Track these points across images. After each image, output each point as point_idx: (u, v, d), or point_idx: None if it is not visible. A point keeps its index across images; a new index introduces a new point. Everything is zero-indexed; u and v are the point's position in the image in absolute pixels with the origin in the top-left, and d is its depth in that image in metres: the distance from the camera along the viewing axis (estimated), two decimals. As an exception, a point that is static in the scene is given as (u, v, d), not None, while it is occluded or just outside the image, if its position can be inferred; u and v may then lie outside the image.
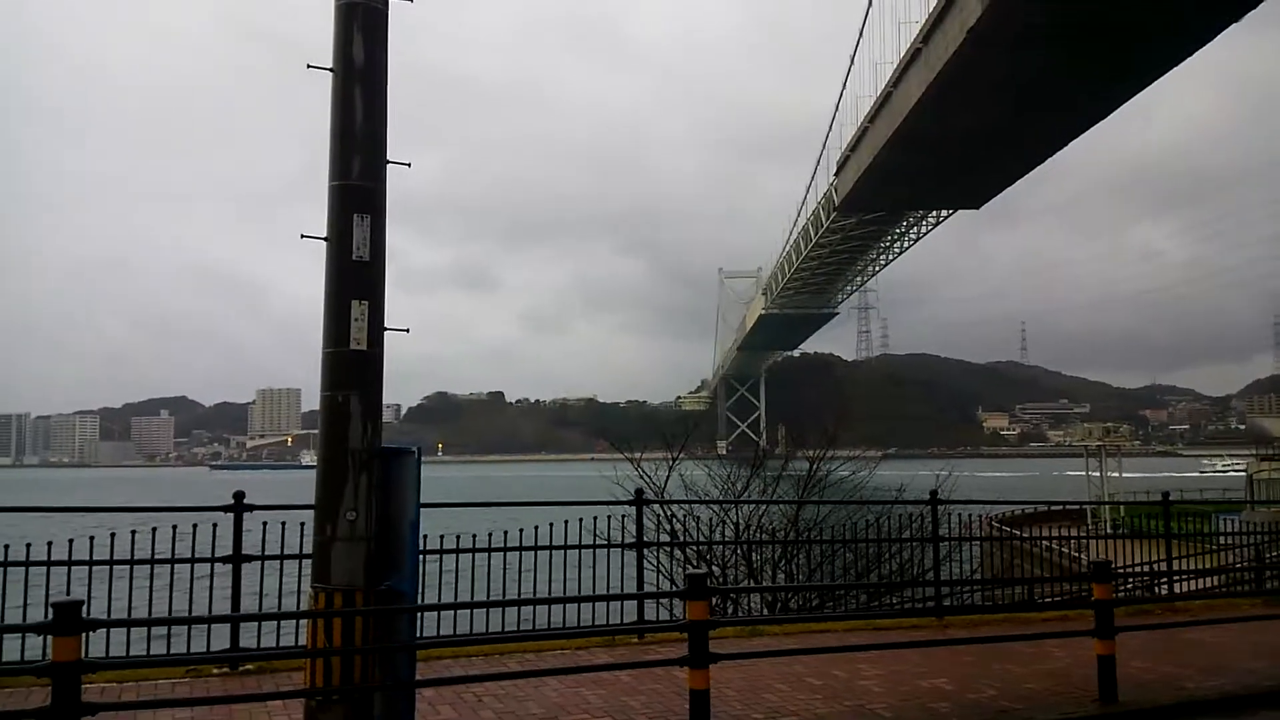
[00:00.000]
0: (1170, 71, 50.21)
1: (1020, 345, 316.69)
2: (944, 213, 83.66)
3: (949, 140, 57.84)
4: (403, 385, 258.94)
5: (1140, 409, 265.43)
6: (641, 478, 14.19)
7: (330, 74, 6.27)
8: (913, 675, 8.50)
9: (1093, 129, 58.73)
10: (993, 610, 11.21)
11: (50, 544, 7.77)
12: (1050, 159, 65.14)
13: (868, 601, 13.01)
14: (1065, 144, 62.15)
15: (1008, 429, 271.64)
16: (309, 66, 6.26)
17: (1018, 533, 20.88)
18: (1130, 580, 14.46)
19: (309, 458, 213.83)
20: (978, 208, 79.27)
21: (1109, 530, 18.50)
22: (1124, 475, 37.09)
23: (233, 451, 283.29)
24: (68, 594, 7.30)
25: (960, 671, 8.68)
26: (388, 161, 6.36)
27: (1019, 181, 71.17)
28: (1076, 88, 50.65)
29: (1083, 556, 16.90)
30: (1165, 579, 13.58)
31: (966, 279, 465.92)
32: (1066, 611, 11.11)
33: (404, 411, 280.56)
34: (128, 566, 8.05)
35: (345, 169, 6.21)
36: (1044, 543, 19.17)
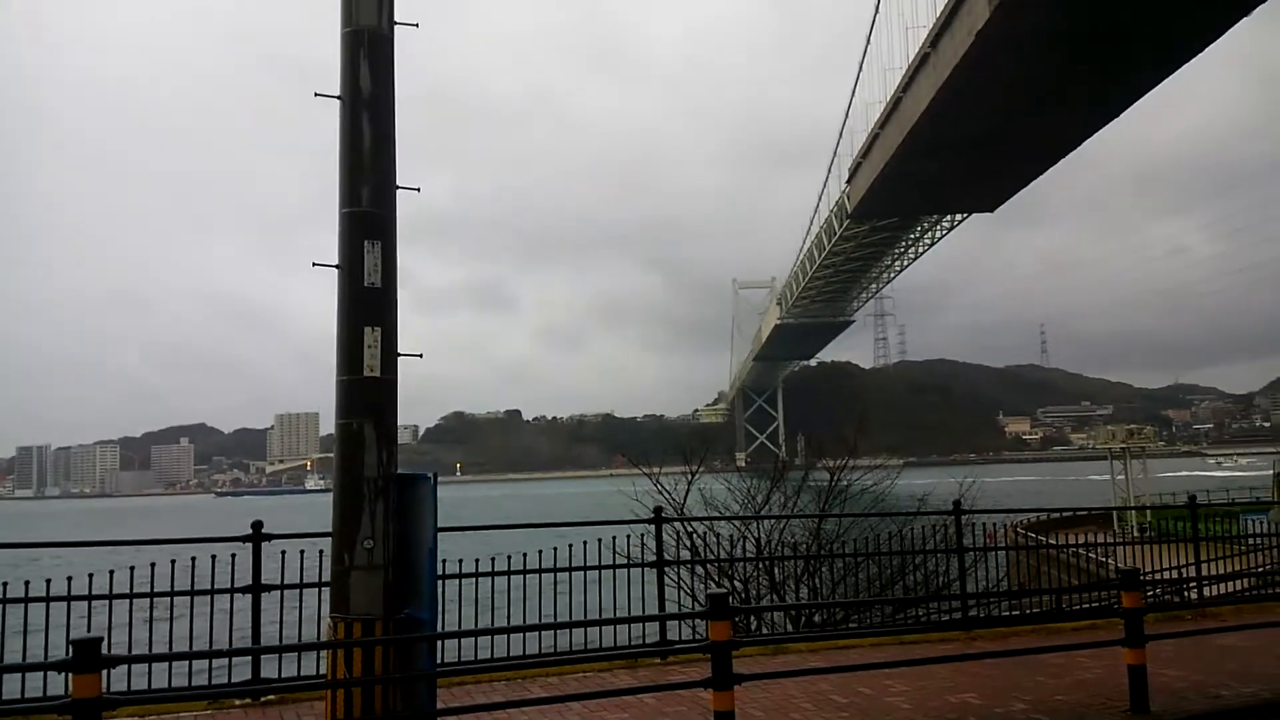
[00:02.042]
0: (1184, 66, 49.77)
1: (1041, 348, 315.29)
2: (959, 217, 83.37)
3: (961, 144, 57.65)
4: (420, 407, 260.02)
5: (1163, 409, 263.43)
6: (661, 493, 14.13)
7: (338, 102, 6.29)
8: (941, 690, 8.38)
9: (1118, 124, 58.24)
10: (1020, 621, 11.07)
11: (70, 579, 7.77)
12: (1072, 155, 64.66)
13: (893, 615, 12.88)
14: (1080, 143, 61.88)
15: (1030, 433, 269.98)
16: (316, 95, 6.28)
17: (1043, 540, 20.65)
18: (1158, 586, 14.27)
19: (313, 482, 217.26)
20: (992, 210, 78.95)
21: (1135, 534, 18.31)
22: (1149, 476, 36.67)
23: (253, 477, 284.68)
24: (88, 629, 7.31)
25: (989, 685, 8.56)
26: (397, 187, 6.36)
27: (1040, 180, 70.72)
28: (1088, 86, 50.39)
29: (1110, 562, 16.72)
30: (1194, 583, 13.39)
31: (986, 282, 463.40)
32: (1095, 620, 10.98)
33: (421, 432, 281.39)
34: (148, 600, 8.04)
35: (355, 196, 6.21)
36: (1070, 549, 18.94)
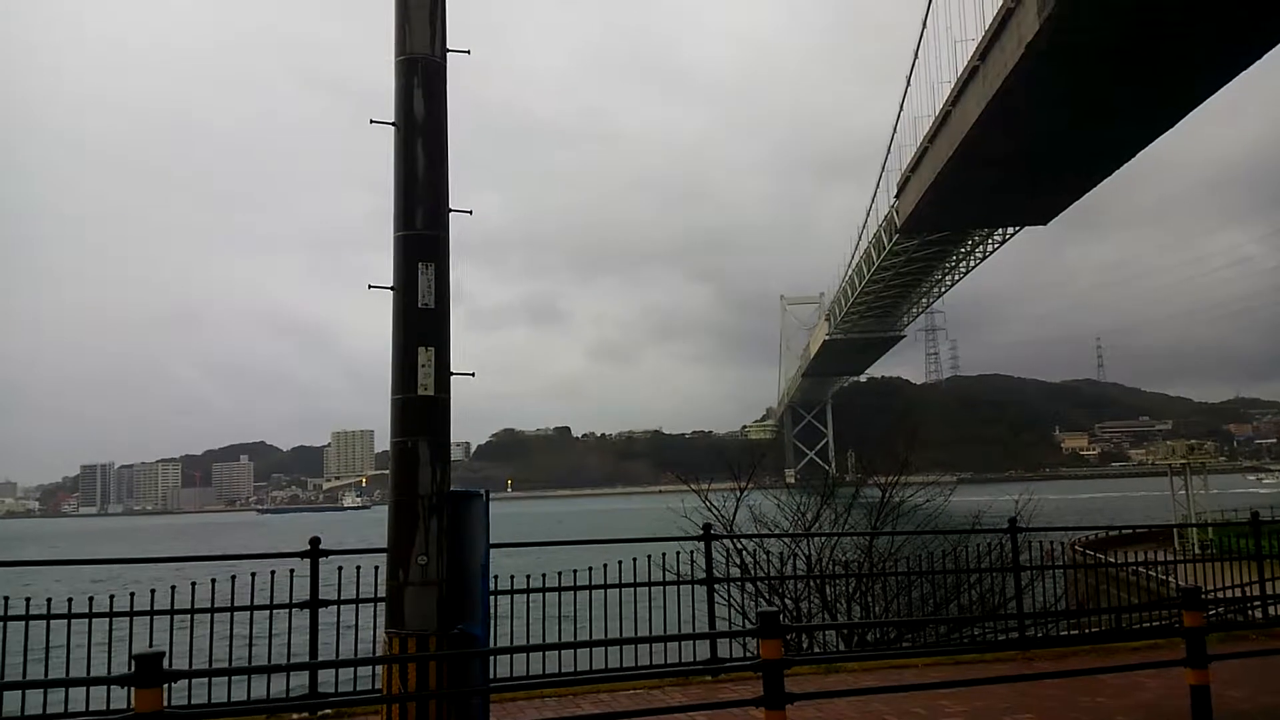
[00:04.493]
0: (1244, 72, 48.66)
1: (1097, 362, 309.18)
2: (1011, 230, 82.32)
3: (1012, 157, 56.99)
4: (472, 424, 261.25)
5: (1224, 423, 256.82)
6: (709, 509, 14.09)
7: (393, 128, 6.42)
8: (997, 711, 8.26)
9: (1176, 132, 56.95)
10: (1079, 641, 10.86)
11: (133, 595, 7.96)
12: (1128, 166, 63.34)
13: (948, 634, 12.71)
14: (1134, 154, 60.74)
15: (1087, 449, 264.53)
16: (372, 122, 6.41)
17: (1102, 557, 20.26)
18: (1221, 605, 13.95)
19: (351, 499, 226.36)
20: (1045, 223, 77.84)
21: (1196, 552, 17.90)
22: (1209, 493, 35.74)
23: (310, 495, 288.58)
24: (150, 644, 7.47)
25: (1047, 706, 8.41)
26: (450, 210, 6.47)
27: (1097, 190, 69.40)
28: (1143, 96, 49.54)
29: (1171, 580, 16.36)
30: (1258, 602, 13.06)
31: (1040, 295, 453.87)
32: (1156, 640, 10.75)
33: (473, 449, 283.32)
34: (208, 615, 8.20)
35: (409, 219, 6.33)
36: (1130, 567, 18.56)
